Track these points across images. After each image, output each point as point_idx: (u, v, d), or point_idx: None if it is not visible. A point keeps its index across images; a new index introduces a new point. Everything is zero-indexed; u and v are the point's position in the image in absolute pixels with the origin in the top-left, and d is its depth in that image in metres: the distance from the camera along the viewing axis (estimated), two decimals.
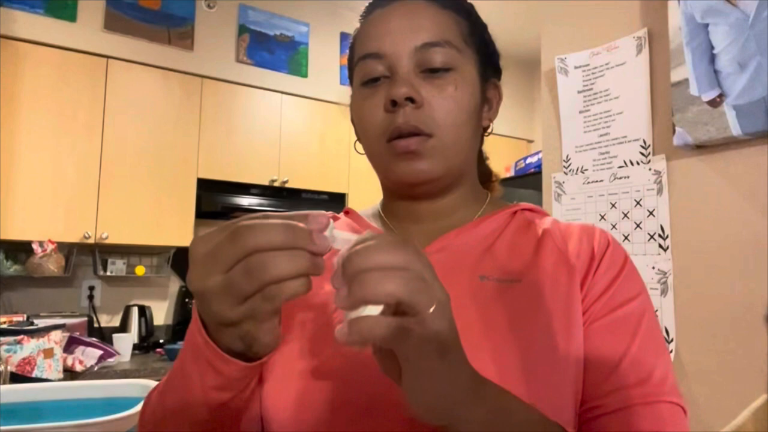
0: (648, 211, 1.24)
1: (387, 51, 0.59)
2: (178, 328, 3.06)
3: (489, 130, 0.69)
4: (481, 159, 0.72)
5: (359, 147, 0.67)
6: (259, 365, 0.46)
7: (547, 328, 0.55)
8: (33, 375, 1.93)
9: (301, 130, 3.24)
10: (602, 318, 0.57)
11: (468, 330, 0.53)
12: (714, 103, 1.08)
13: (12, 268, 2.61)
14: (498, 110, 0.68)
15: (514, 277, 0.58)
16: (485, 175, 0.74)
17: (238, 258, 0.37)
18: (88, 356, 2.28)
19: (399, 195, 0.66)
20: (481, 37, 0.65)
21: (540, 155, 2.03)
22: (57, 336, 2.10)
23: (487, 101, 0.66)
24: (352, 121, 0.68)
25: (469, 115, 0.61)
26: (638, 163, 1.26)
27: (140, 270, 2.93)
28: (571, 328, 0.56)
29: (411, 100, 0.57)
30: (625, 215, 1.28)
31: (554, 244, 0.61)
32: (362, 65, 0.61)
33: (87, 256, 2.89)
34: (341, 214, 0.72)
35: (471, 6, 0.66)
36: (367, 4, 0.66)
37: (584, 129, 1.37)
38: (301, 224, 0.39)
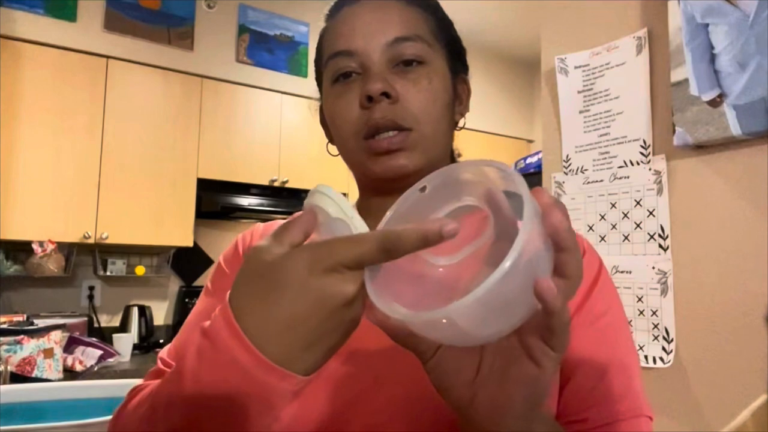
0: (648, 211, 1.24)
1: (358, 48, 0.58)
2: (178, 328, 3.06)
3: (461, 125, 0.69)
4: (452, 155, 0.72)
5: (332, 149, 0.66)
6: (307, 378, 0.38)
7: None
8: (33, 375, 1.94)
9: (301, 130, 3.24)
10: (583, 329, 0.55)
11: None
12: (714, 103, 1.08)
13: (12, 268, 2.61)
14: (468, 105, 0.68)
15: None
16: None
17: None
18: (88, 356, 2.28)
19: (374, 191, 0.65)
20: (448, 33, 0.65)
21: (540, 155, 2.03)
22: (57, 336, 2.10)
23: (457, 96, 0.66)
24: (322, 123, 0.68)
25: (444, 108, 0.61)
26: (638, 163, 1.26)
27: (140, 270, 2.93)
28: None
29: (386, 95, 0.56)
30: (625, 215, 1.28)
31: None
32: (333, 63, 0.60)
33: (87, 256, 2.89)
34: None
35: (436, 3, 0.66)
36: (333, 3, 0.65)
37: (584, 129, 1.37)
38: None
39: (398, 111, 0.57)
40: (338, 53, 0.59)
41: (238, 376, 0.36)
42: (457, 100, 0.66)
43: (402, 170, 0.58)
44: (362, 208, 0.68)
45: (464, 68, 0.68)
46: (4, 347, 1.90)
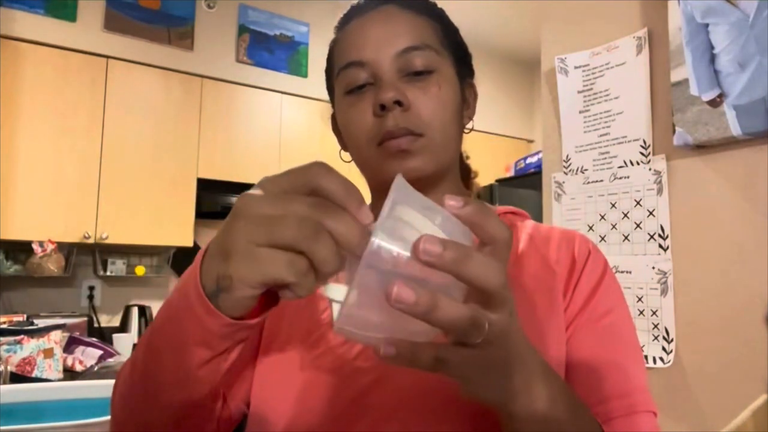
0: (648, 211, 1.24)
1: (369, 58, 0.60)
2: None
3: (469, 128, 0.71)
4: (461, 157, 0.73)
5: (345, 156, 0.67)
6: (241, 327, 0.40)
7: (531, 332, 0.54)
8: (33, 375, 1.93)
9: (301, 130, 3.24)
10: (585, 328, 0.57)
11: None
12: (714, 103, 1.08)
13: (12, 268, 2.61)
14: (475, 108, 0.70)
15: None
16: (465, 173, 0.76)
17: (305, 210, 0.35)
18: (88, 356, 2.28)
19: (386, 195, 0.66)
20: (454, 40, 0.67)
21: (540, 155, 2.03)
22: (57, 336, 2.10)
23: (465, 101, 0.68)
24: (335, 131, 0.70)
25: (454, 113, 0.62)
26: (638, 163, 1.26)
27: (140, 270, 2.93)
28: (553, 332, 0.56)
29: (399, 103, 0.58)
30: (625, 215, 1.27)
31: (536, 248, 0.62)
32: (344, 74, 0.62)
33: (87, 256, 2.89)
34: None
35: (442, 11, 0.68)
36: (343, 15, 0.67)
37: (584, 129, 1.37)
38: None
39: (410, 118, 0.58)
40: (350, 64, 0.61)
41: (182, 303, 0.39)
42: (465, 104, 0.68)
43: (414, 173, 0.59)
44: (375, 214, 0.69)
45: (470, 73, 0.70)
46: (4, 347, 1.90)
